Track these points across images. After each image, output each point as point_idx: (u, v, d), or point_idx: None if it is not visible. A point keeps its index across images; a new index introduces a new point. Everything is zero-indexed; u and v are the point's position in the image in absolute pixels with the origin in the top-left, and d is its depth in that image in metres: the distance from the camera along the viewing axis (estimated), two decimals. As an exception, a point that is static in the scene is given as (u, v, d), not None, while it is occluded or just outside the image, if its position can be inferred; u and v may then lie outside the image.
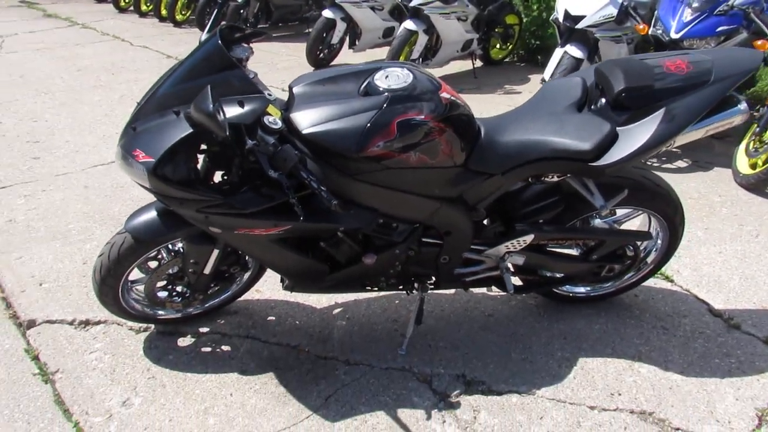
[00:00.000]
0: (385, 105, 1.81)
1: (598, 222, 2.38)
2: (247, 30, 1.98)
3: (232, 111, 1.70)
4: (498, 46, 6.63)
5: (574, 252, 2.42)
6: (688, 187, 3.76)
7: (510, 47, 6.69)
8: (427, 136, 1.84)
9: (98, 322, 2.51)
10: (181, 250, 2.21)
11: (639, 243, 2.39)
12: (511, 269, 2.33)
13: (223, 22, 1.96)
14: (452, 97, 1.92)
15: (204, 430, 2.03)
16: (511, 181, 2.06)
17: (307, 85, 1.94)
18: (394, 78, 1.88)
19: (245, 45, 1.95)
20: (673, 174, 3.95)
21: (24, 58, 6.73)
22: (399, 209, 2.00)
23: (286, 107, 1.90)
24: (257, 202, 1.83)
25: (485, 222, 2.31)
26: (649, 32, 4.00)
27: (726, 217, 3.42)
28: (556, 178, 2.07)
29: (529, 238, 2.17)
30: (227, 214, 1.83)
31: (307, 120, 1.82)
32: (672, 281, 2.81)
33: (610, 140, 1.94)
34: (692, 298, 2.71)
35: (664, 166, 4.07)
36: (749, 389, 2.21)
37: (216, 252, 2.15)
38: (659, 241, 2.45)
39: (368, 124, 1.78)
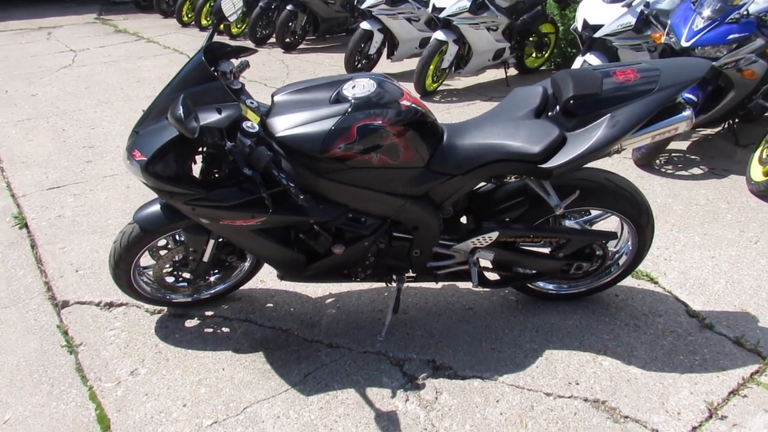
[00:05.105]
0: (347, 111, 2.04)
1: (568, 222, 2.52)
2: (233, 46, 2.25)
3: (211, 117, 1.97)
4: (533, 54, 6.72)
5: (545, 250, 2.56)
6: (698, 194, 3.79)
7: (546, 55, 6.77)
8: (386, 139, 2.05)
9: (120, 305, 2.84)
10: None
11: (607, 244, 2.50)
12: (481, 264, 2.50)
13: (215, 40, 2.23)
14: (413, 105, 2.13)
15: (195, 398, 2.31)
16: (472, 181, 2.24)
17: (286, 94, 2.19)
18: (359, 88, 2.11)
19: (232, 60, 2.23)
20: (686, 181, 3.98)
21: (92, 71, 7.35)
22: (366, 205, 2.21)
23: (268, 113, 2.16)
24: (236, 196, 2.10)
25: (462, 220, 2.50)
26: (663, 40, 4.05)
27: (728, 223, 3.44)
28: (513, 179, 2.24)
29: (494, 235, 2.34)
30: (210, 206, 2.10)
31: (281, 124, 2.08)
32: (656, 283, 2.90)
33: (559, 144, 2.09)
34: (672, 299, 2.78)
35: (678, 173, 4.10)
36: (706, 385, 2.29)
37: (212, 242, 2.43)
38: (629, 244, 2.56)
39: (331, 128, 2.02)
